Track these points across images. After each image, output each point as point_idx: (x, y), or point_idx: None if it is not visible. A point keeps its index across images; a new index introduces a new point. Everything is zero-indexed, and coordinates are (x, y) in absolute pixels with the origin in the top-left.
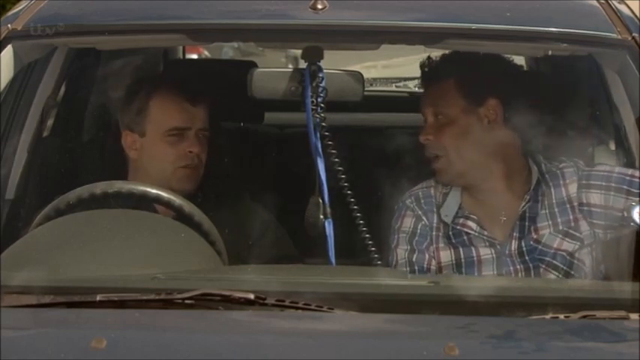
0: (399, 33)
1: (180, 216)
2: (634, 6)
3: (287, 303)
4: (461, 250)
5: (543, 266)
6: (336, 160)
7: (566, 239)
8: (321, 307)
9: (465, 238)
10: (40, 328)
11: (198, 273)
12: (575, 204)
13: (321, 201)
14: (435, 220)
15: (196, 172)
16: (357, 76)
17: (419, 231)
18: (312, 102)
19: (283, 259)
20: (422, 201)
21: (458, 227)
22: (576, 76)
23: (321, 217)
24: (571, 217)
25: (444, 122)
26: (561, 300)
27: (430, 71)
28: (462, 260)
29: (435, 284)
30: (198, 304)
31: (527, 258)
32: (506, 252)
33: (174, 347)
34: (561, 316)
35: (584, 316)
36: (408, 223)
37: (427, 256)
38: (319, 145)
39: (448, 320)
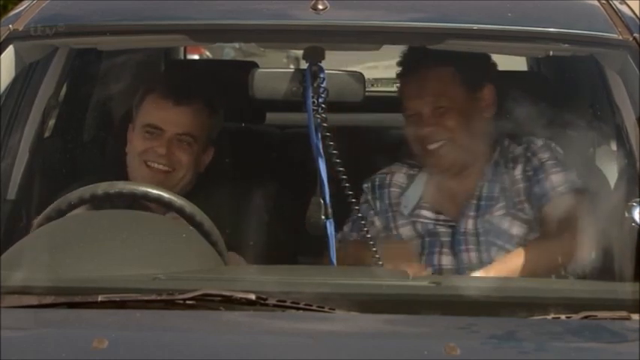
0: (400, 33)
1: (182, 216)
2: (634, 6)
3: (288, 303)
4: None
5: (495, 249)
6: (338, 160)
7: (516, 222)
8: (322, 307)
9: (420, 226)
10: (42, 329)
11: (199, 273)
12: (521, 186)
13: (322, 201)
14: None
15: (169, 178)
16: (358, 77)
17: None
18: (314, 102)
19: (284, 259)
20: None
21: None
22: (577, 76)
23: (323, 217)
24: (519, 199)
25: (444, 110)
26: (562, 300)
27: (414, 63)
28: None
29: (436, 284)
30: (200, 304)
31: (481, 239)
32: (462, 230)
33: (175, 347)
34: (563, 317)
35: (586, 317)
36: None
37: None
38: (320, 146)
39: (449, 320)
